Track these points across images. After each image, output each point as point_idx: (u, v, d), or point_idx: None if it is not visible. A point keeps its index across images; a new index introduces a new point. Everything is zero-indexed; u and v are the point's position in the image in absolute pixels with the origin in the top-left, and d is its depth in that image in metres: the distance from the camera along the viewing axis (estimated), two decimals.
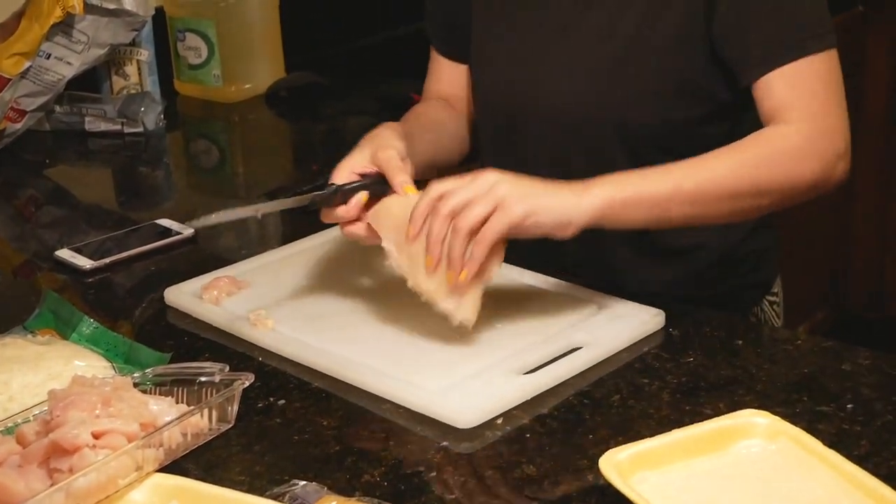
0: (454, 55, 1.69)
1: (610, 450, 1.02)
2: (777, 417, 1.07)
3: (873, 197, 3.29)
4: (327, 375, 1.25)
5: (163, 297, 1.43)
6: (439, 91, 1.76)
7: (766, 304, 1.63)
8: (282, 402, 1.21)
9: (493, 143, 1.64)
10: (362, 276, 1.44)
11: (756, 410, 1.09)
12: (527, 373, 1.23)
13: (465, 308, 1.24)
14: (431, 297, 1.25)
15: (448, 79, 1.74)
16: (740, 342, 1.30)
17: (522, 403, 1.18)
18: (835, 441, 1.06)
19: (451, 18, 1.65)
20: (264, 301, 1.39)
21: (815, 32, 1.41)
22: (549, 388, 1.21)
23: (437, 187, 1.24)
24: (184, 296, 1.42)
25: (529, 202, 1.22)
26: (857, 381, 1.21)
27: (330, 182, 1.36)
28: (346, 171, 1.37)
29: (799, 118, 1.38)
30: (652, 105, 1.47)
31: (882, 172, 3.27)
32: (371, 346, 1.29)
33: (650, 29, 1.45)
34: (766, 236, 1.64)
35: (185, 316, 1.40)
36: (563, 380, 1.22)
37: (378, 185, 1.34)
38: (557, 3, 1.53)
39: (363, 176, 1.36)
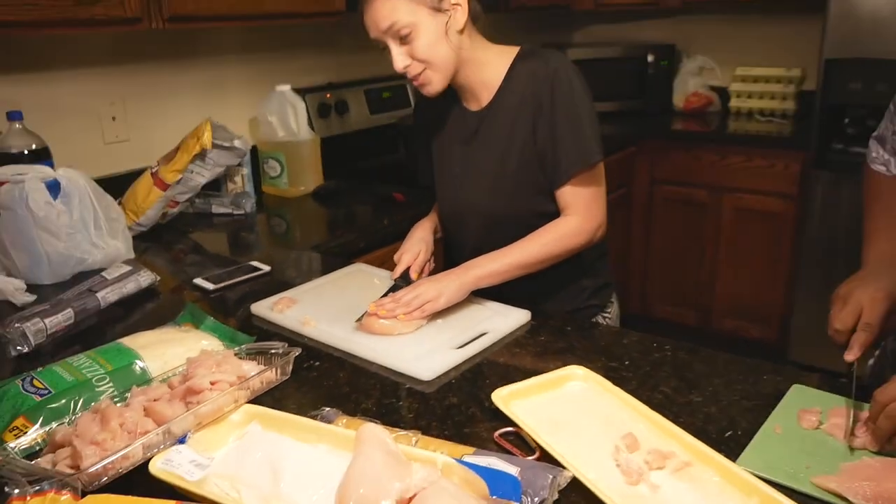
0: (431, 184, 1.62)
1: (497, 388, 1.02)
2: (588, 370, 1.06)
3: (640, 242, 3.31)
4: (344, 350, 1.22)
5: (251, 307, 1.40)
6: None
7: (601, 318, 1.56)
8: (317, 363, 1.18)
9: (446, 229, 1.60)
10: (366, 294, 1.41)
11: (577, 366, 1.07)
12: (458, 348, 1.20)
13: (407, 328, 1.26)
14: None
15: None
16: (569, 328, 1.29)
17: (456, 365, 1.16)
18: (617, 382, 1.05)
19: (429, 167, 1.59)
20: (310, 310, 1.35)
21: (590, 154, 1.35)
22: (469, 357, 1.18)
23: (403, 292, 1.30)
24: (262, 308, 1.38)
25: (445, 295, 1.29)
26: (630, 350, 1.20)
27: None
28: (406, 258, 1.47)
29: (576, 211, 1.37)
30: (520, 203, 1.42)
31: (644, 231, 3.29)
32: (364, 337, 1.26)
33: (507, 159, 1.40)
34: (601, 279, 1.56)
35: (264, 319, 1.36)
36: (476, 352, 1.20)
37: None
38: (458, 151, 1.48)
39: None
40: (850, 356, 0.97)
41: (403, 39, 1.30)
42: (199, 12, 1.76)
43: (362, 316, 1.29)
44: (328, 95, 2.54)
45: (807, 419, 0.96)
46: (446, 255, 1.61)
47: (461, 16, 1.33)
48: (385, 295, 1.35)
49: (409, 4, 1.28)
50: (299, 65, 2.54)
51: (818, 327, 2.96)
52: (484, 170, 1.45)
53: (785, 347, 2.93)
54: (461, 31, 1.34)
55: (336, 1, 2.09)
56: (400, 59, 1.32)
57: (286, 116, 2.26)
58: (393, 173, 2.49)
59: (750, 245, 3.03)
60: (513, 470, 0.83)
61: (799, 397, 1.02)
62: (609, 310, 1.59)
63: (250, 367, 1.05)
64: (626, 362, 1.15)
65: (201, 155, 1.93)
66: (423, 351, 1.19)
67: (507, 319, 1.30)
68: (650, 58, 3.34)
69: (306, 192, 2.28)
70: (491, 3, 2.69)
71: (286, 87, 2.27)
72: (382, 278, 1.51)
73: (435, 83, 1.35)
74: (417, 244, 1.51)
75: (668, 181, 3.15)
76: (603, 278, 1.57)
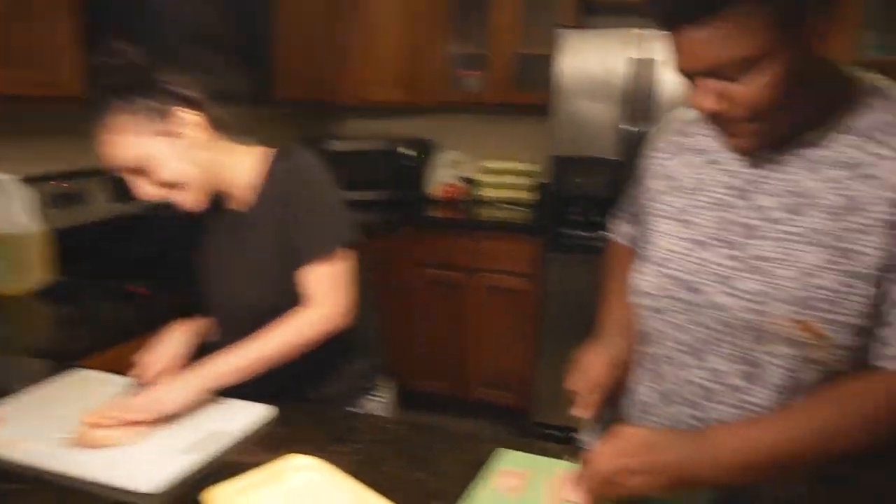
0: None
1: (210, 487, 0.97)
2: (313, 458, 1.05)
3: (402, 323, 3.36)
4: (51, 470, 1.06)
5: None
6: None
7: (371, 402, 1.50)
8: (15, 486, 1.03)
9: (217, 328, 1.49)
10: (87, 403, 1.25)
11: (301, 455, 1.05)
12: (186, 453, 1.11)
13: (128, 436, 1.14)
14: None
15: None
16: (302, 416, 1.26)
17: (185, 472, 1.07)
18: (346, 466, 1.04)
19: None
20: (19, 429, 1.17)
21: (328, 242, 1.33)
22: (200, 461, 1.09)
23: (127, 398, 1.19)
24: None
25: (174, 399, 1.21)
26: (360, 432, 1.20)
27: None
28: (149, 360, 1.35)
29: (316, 299, 1.34)
30: (283, 295, 1.38)
31: (406, 312, 3.35)
32: (78, 452, 1.11)
33: (266, 253, 1.38)
34: (369, 361, 1.53)
35: None
36: (209, 455, 1.11)
37: None
38: (223, 250, 1.44)
39: None
40: (581, 413, 1.06)
41: (143, 173, 1.27)
42: None
43: (79, 428, 1.16)
44: (65, 184, 2.32)
45: (504, 482, 1.02)
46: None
47: (196, 132, 1.30)
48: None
49: (137, 138, 1.24)
50: (30, 151, 2.31)
51: (555, 391, 3.18)
52: (248, 265, 1.42)
53: (532, 412, 3.13)
54: (200, 145, 1.31)
55: (67, 83, 1.93)
56: (145, 191, 1.28)
57: (6, 206, 2.02)
58: (138, 266, 2.33)
59: (500, 320, 3.23)
60: None
61: (505, 461, 1.08)
62: (380, 392, 1.57)
63: None
64: (357, 445, 1.16)
65: None
66: (147, 460, 1.09)
67: (242, 415, 1.24)
68: (408, 151, 3.53)
69: (30, 290, 2.03)
70: (251, 97, 2.70)
71: (5, 176, 2.04)
72: (107, 383, 1.37)
73: (190, 202, 1.32)
74: (165, 346, 1.42)
75: (427, 265, 3.29)
76: (371, 360, 1.55)
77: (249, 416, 1.25)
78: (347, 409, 1.48)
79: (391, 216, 3.29)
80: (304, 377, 1.45)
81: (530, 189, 3.59)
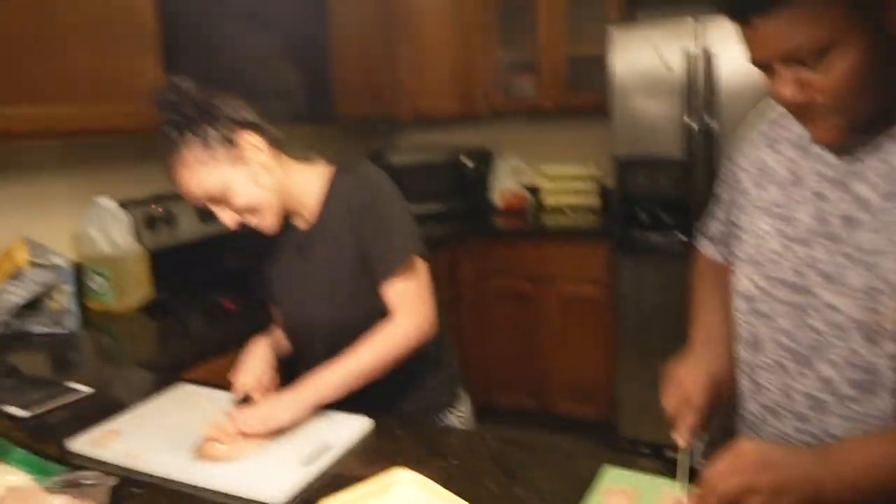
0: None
1: (324, 498, 0.98)
2: (414, 472, 1.04)
3: (475, 337, 3.34)
4: (181, 482, 1.11)
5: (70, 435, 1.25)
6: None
7: (452, 416, 1.49)
8: (136, 490, 1.08)
9: (293, 346, 1.53)
10: (195, 417, 1.31)
11: (403, 469, 1.05)
12: (305, 465, 1.14)
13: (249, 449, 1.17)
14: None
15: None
16: (399, 431, 1.27)
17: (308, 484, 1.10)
18: (444, 481, 1.03)
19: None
20: (135, 441, 1.23)
21: (403, 251, 1.33)
22: (316, 473, 1.13)
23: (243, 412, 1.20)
24: (82, 444, 1.23)
25: (286, 416, 1.24)
26: (455, 447, 1.20)
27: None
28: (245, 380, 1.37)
29: (402, 312, 1.35)
30: (359, 310, 1.39)
31: (477, 326, 3.32)
32: (201, 464, 1.16)
33: (338, 269, 1.38)
34: (446, 373, 1.52)
35: (81, 456, 1.20)
36: (325, 467, 1.15)
37: None
38: (293, 268, 1.46)
39: None
40: (681, 442, 0.98)
41: (222, 202, 1.30)
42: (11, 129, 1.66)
43: (201, 442, 1.20)
44: (159, 209, 2.44)
45: (613, 501, 1.00)
46: (295, 372, 1.51)
47: (260, 154, 1.31)
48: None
49: (210, 169, 1.27)
50: (124, 177, 2.43)
51: (640, 402, 3.14)
52: (319, 283, 1.42)
53: (620, 425, 3.03)
54: (268, 167, 1.33)
55: (150, 114, 2.04)
56: (228, 219, 1.33)
57: (109, 230, 2.15)
58: (227, 283, 2.40)
59: (575, 329, 3.17)
60: None
61: (610, 479, 1.06)
62: (461, 406, 1.55)
63: (60, 502, 0.95)
64: (455, 460, 1.15)
65: (16, 274, 1.79)
66: (268, 471, 1.12)
67: (345, 428, 1.26)
68: (468, 161, 3.53)
69: (134, 306, 2.16)
70: (317, 117, 2.75)
71: (107, 201, 2.18)
72: (210, 398, 1.42)
73: (269, 224, 1.36)
74: (258, 363, 1.43)
75: (497, 275, 3.26)
76: (449, 373, 1.54)
77: (351, 428, 1.26)
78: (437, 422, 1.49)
79: (457, 228, 3.29)
80: (390, 392, 1.45)
81: (593, 193, 3.55)
